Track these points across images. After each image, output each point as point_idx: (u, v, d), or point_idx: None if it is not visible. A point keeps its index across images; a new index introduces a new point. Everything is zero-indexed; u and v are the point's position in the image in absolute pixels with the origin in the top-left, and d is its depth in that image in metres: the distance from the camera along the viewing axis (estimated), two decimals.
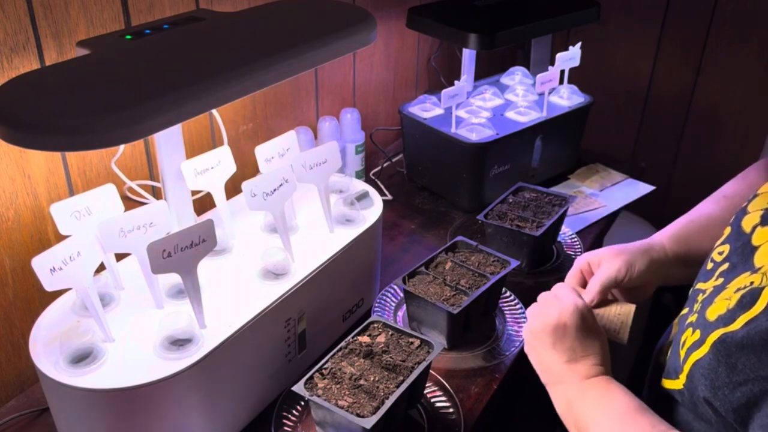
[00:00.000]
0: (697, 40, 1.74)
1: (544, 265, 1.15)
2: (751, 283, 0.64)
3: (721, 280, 0.71)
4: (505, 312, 1.02)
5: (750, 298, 0.62)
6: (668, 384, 0.71)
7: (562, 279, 1.10)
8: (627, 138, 1.96)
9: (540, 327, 0.77)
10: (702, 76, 1.77)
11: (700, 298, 0.72)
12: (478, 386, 0.90)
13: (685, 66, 1.78)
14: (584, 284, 0.89)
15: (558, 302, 0.78)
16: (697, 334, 0.66)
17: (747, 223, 0.73)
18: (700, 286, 0.75)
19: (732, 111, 1.75)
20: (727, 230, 0.77)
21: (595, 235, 1.25)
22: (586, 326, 0.76)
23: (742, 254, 0.70)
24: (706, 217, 0.92)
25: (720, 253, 0.75)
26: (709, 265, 0.76)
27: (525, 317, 1.00)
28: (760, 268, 0.65)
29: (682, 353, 0.68)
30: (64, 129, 0.58)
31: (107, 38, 0.78)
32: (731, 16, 1.67)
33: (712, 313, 0.66)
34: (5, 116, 0.58)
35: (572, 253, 1.17)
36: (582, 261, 0.89)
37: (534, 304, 0.81)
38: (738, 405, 0.60)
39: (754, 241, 0.70)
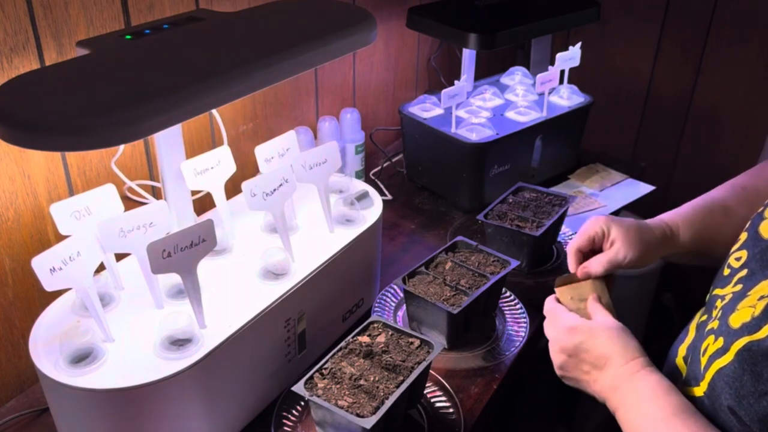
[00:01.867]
0: (697, 40, 1.74)
1: (544, 265, 1.15)
2: None
3: (740, 286, 0.70)
4: (505, 312, 1.02)
5: None
6: (687, 391, 0.70)
7: None
8: (627, 138, 1.96)
9: (559, 365, 0.77)
10: (702, 76, 1.77)
11: (719, 304, 0.71)
12: (478, 386, 0.90)
13: (685, 66, 1.78)
14: (591, 249, 0.87)
15: (554, 332, 0.78)
16: (720, 341, 0.65)
17: (765, 229, 0.72)
18: (717, 292, 0.74)
19: (732, 111, 1.75)
20: (744, 236, 0.75)
21: None
22: (589, 342, 0.74)
23: (761, 260, 0.69)
24: (723, 210, 0.89)
25: (737, 259, 0.74)
26: (726, 271, 0.75)
27: (525, 317, 1.00)
28: None
29: (704, 360, 0.67)
30: (64, 129, 0.58)
31: (107, 38, 0.78)
32: (731, 16, 1.67)
33: (736, 321, 0.64)
34: (5, 116, 0.58)
35: None
36: (597, 228, 0.86)
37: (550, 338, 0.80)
38: (764, 415, 0.58)
39: None
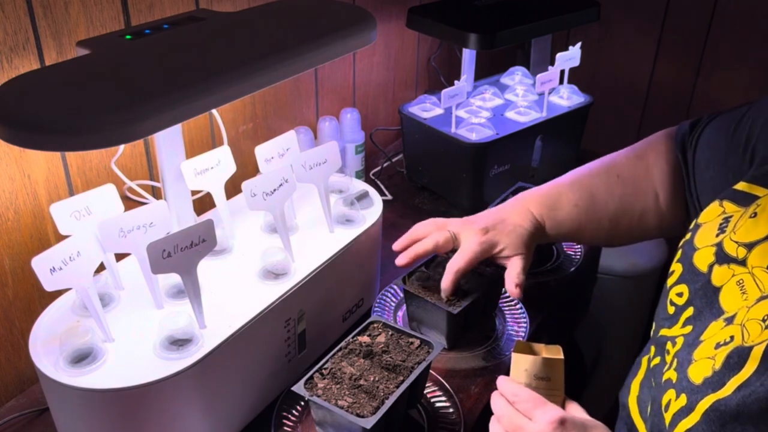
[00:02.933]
0: (697, 40, 1.74)
1: (544, 265, 1.15)
2: (732, 337, 0.60)
3: (689, 328, 0.66)
4: (505, 312, 1.02)
5: (737, 358, 0.58)
6: None
7: (562, 279, 1.11)
8: (627, 138, 1.95)
9: None
10: (702, 76, 1.77)
11: (671, 349, 0.67)
12: (478, 386, 0.90)
13: (685, 66, 1.78)
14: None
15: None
16: (683, 398, 0.61)
17: (700, 262, 0.69)
18: (664, 332, 0.70)
19: None
20: (678, 268, 0.72)
21: None
22: None
23: (705, 296, 0.66)
24: (590, 202, 0.92)
25: (679, 295, 0.70)
26: (671, 309, 0.70)
27: (525, 317, 1.00)
28: (733, 317, 0.62)
29: (668, 417, 0.63)
30: (64, 129, 0.58)
31: (107, 38, 0.78)
32: (731, 16, 1.67)
33: (696, 375, 0.61)
34: (5, 116, 0.58)
35: (572, 253, 1.17)
36: (480, 248, 0.89)
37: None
38: None
39: (714, 282, 0.66)
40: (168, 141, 0.80)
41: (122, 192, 0.97)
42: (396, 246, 0.93)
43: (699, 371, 0.61)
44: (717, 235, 0.70)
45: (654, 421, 0.66)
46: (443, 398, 0.87)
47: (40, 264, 0.66)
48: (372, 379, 0.76)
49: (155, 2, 0.96)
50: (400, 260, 0.90)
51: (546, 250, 1.17)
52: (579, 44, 1.34)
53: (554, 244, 1.19)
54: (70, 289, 0.71)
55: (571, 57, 1.33)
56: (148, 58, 0.71)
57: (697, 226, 0.73)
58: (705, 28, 1.71)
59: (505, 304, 1.03)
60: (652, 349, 0.72)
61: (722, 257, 0.67)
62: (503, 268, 0.97)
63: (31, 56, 0.83)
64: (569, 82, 1.39)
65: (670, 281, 0.73)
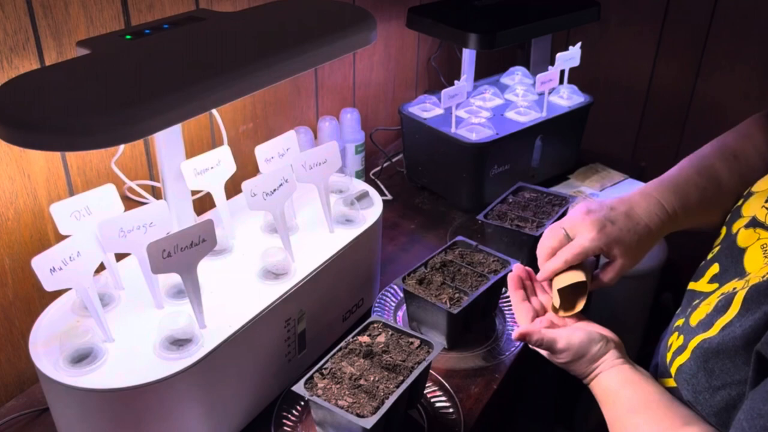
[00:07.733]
0: (697, 40, 1.74)
1: None
2: (734, 289, 0.64)
3: (715, 285, 0.71)
4: (505, 312, 1.02)
5: (725, 302, 0.63)
6: (663, 383, 0.72)
7: None
8: (627, 138, 1.96)
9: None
10: (702, 76, 1.77)
11: (694, 303, 0.73)
12: (478, 386, 0.90)
13: (685, 66, 1.78)
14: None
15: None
16: (681, 339, 0.67)
17: (736, 226, 0.73)
18: (692, 286, 0.76)
19: (732, 111, 1.75)
20: (723, 231, 0.77)
21: None
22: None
23: (731, 256, 0.70)
24: (716, 183, 0.86)
25: (712, 252, 0.76)
26: (701, 263, 0.77)
27: None
28: (748, 275, 0.65)
29: (668, 356, 0.69)
30: (64, 129, 0.58)
31: (107, 38, 0.78)
32: (731, 16, 1.67)
33: (695, 318, 0.67)
34: (5, 116, 0.58)
35: None
36: (595, 248, 0.81)
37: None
38: (718, 409, 0.61)
39: (740, 243, 0.70)
40: (168, 141, 0.80)
41: (122, 192, 0.97)
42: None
43: (697, 315, 0.67)
44: (762, 206, 0.73)
45: (663, 362, 0.72)
46: (443, 398, 0.87)
47: (40, 264, 0.66)
48: (372, 379, 0.76)
49: (155, 2, 0.96)
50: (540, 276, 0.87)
51: None
52: (579, 44, 1.34)
53: None
54: (70, 289, 0.71)
55: (571, 57, 1.33)
56: (148, 59, 0.71)
57: (750, 194, 0.76)
58: (705, 28, 1.71)
59: (505, 304, 1.03)
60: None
61: (752, 222, 0.71)
62: (502, 269, 0.97)
63: (31, 56, 0.83)
64: (569, 82, 1.39)
65: (716, 243, 0.78)
